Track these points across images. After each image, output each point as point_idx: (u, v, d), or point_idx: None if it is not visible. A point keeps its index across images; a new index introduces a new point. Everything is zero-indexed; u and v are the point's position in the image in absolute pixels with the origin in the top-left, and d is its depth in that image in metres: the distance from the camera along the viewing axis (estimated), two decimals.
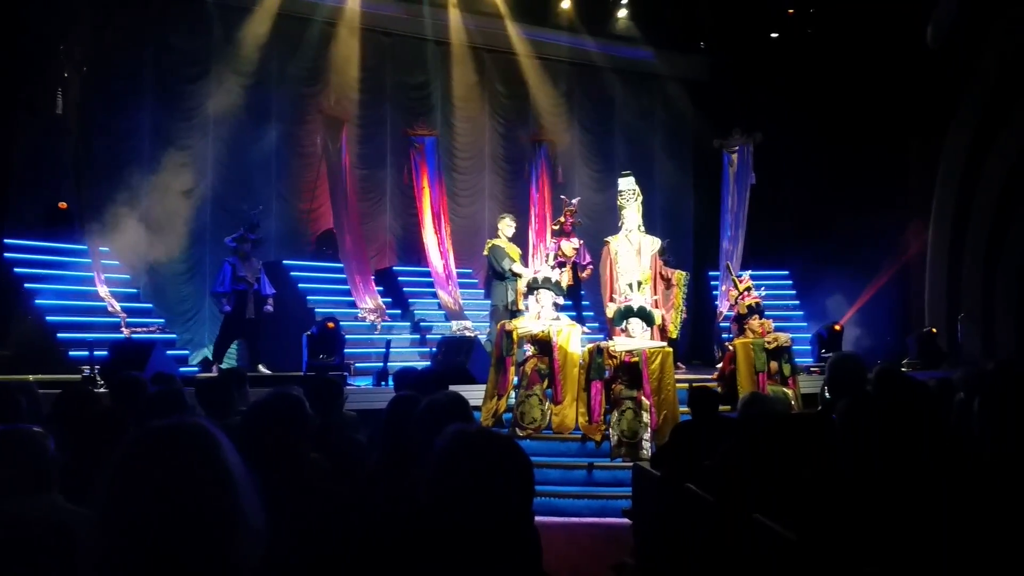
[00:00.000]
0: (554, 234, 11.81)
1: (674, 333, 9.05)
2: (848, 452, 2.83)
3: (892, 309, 13.30)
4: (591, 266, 11.86)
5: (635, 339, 8.08)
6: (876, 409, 2.77)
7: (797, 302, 13.68)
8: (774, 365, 8.41)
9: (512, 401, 8.06)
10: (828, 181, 13.89)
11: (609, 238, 9.36)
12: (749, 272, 9.97)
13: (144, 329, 9.42)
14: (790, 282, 14.05)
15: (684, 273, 9.45)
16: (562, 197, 11.97)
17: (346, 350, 9.82)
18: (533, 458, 6.88)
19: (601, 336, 10.90)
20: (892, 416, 2.74)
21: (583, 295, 12.69)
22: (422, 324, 11.92)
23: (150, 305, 10.29)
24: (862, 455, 2.75)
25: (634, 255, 9.19)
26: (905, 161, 13.77)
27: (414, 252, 13.17)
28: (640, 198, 9.39)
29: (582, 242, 11.77)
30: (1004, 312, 12.48)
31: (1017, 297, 12.35)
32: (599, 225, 14.13)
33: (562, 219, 11.52)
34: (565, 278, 10.08)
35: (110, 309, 9.52)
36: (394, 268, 12.81)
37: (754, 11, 14.03)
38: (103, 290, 9.66)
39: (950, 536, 2.38)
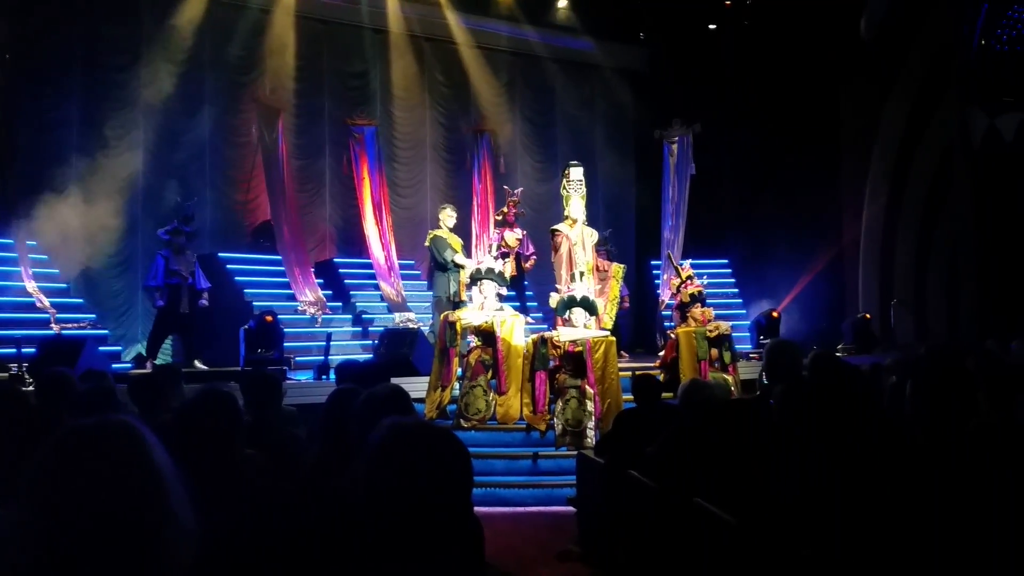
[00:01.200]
0: (497, 224, 11.81)
1: (608, 324, 9.13)
2: (785, 436, 2.88)
3: (827, 295, 13.61)
4: (534, 256, 11.89)
5: (578, 329, 8.13)
6: (811, 393, 2.83)
7: (736, 290, 13.91)
8: (715, 352, 8.55)
9: (456, 392, 8.05)
10: (766, 170, 14.16)
11: (558, 226, 9.40)
12: (690, 261, 10.10)
13: (74, 325, 9.16)
14: (730, 270, 14.27)
15: (621, 266, 9.58)
16: (505, 188, 11.97)
17: (285, 344, 9.72)
18: (478, 449, 6.83)
19: (545, 326, 10.94)
20: (826, 400, 2.80)
21: (526, 285, 12.71)
22: (364, 316, 11.84)
23: (81, 300, 10.01)
24: (798, 438, 2.81)
25: (579, 245, 9.25)
26: (839, 150, 14.09)
27: (355, 243, 13.04)
28: (584, 190, 9.45)
29: (525, 232, 11.76)
30: (936, 297, 12.88)
31: (948, 282, 12.76)
32: (542, 216, 14.13)
33: (505, 209, 11.52)
34: (508, 269, 10.10)
35: (38, 305, 9.24)
36: (334, 260, 12.71)
37: (692, 2, 14.19)
38: (31, 285, 9.36)
39: (883, 517, 2.44)
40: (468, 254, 11.03)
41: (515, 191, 11.67)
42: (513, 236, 11.40)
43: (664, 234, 13.36)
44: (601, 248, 11.25)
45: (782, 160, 13.84)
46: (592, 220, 9.86)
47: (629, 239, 14.96)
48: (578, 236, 9.27)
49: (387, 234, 12.41)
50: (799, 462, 2.74)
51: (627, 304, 12.16)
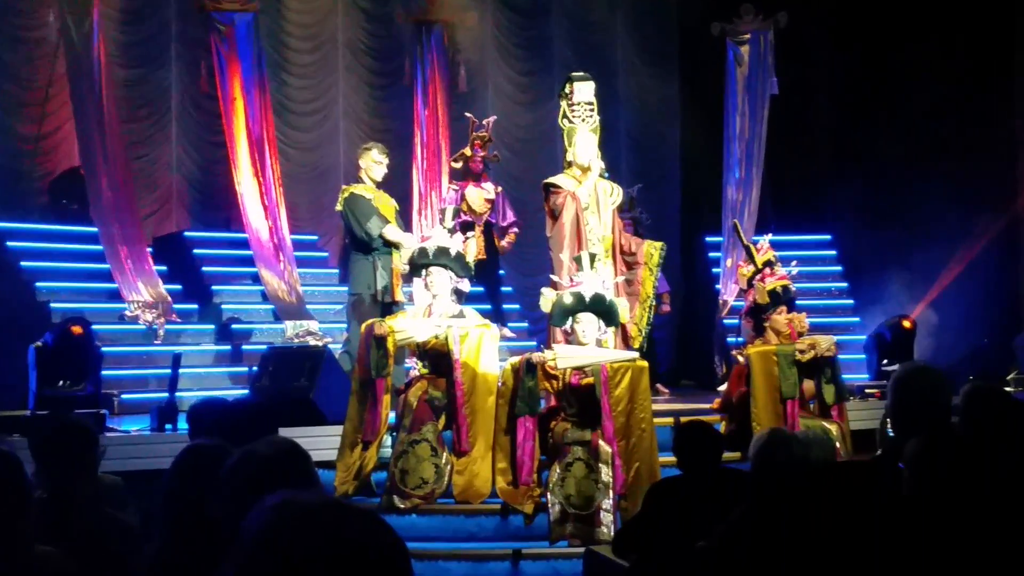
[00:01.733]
0: (454, 176, 11.77)
1: (638, 339, 9.14)
2: (924, 521, 2.89)
3: (991, 296, 13.59)
4: (516, 229, 11.86)
5: (588, 348, 8.14)
6: (967, 452, 2.84)
7: (846, 284, 13.97)
8: (809, 386, 8.62)
9: (387, 452, 8.08)
10: (892, 91, 14.15)
11: (557, 179, 9.39)
12: (770, 237, 10.11)
13: None
14: (834, 252, 14.37)
15: (659, 245, 9.53)
16: (467, 116, 11.95)
17: (104, 372, 9.72)
18: (422, 544, 6.87)
19: (534, 343, 10.94)
20: (992, 462, 2.81)
21: (502, 276, 12.70)
22: (235, 327, 11.87)
23: None
24: (947, 526, 2.82)
25: (592, 210, 9.26)
26: (1009, 68, 14.04)
27: (219, 207, 12.99)
28: (598, 120, 9.47)
29: (500, 190, 11.74)
30: None
31: None
32: (529, 162, 14.15)
33: (467, 152, 11.48)
34: (473, 248, 10.06)
35: None
36: (186, 234, 12.70)
37: None
38: None
39: None
40: (407, 226, 11.00)
41: (484, 121, 11.65)
42: (480, 195, 11.36)
43: (727, 192, 13.41)
44: (627, 216, 11.25)
45: (916, 77, 13.83)
46: (612, 169, 9.86)
47: (671, 201, 15.03)
48: (589, 195, 9.28)
49: (273, 192, 12.35)
50: (948, 564, 2.75)
51: (667, 307, 12.18)
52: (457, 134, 12.68)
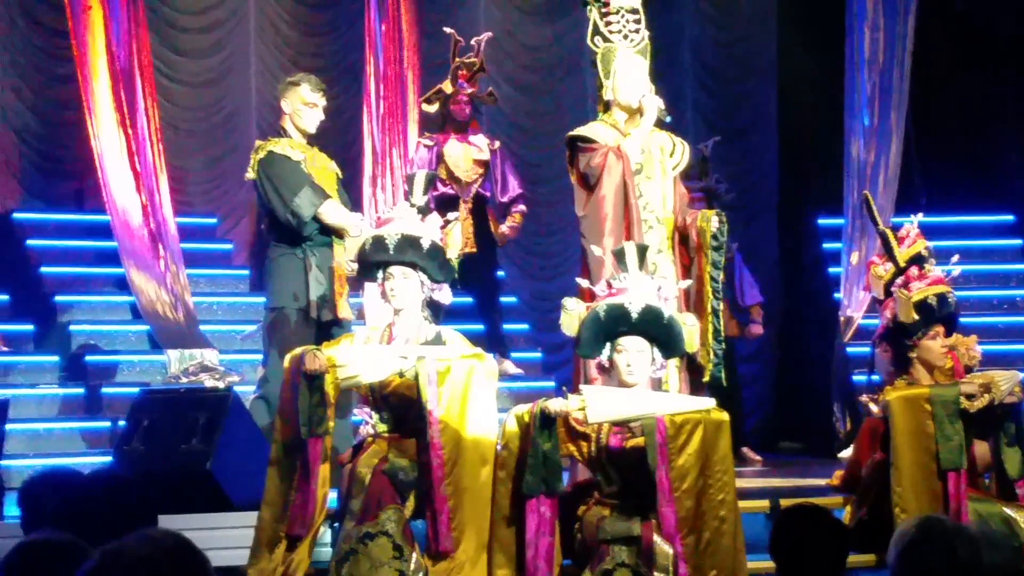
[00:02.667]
0: (428, 126, 11.74)
1: (709, 367, 9.13)
2: None
3: None
4: (523, 206, 11.85)
5: (636, 390, 8.11)
6: None
7: None
8: (984, 450, 8.62)
9: (326, 552, 8.13)
10: None
11: (589, 130, 9.37)
12: (919, 218, 10.10)
13: None
14: (1021, 241, 14.42)
15: (711, 213, 9.48)
16: (447, 31, 11.95)
17: None
18: None
19: (551, 384, 10.95)
20: None
21: (502, 280, 12.70)
22: (90, 358, 11.95)
23: None
24: None
25: (647, 175, 9.33)
26: None
27: (66, 176, 13.06)
28: (647, 37, 9.49)
29: (499, 145, 11.73)
30: None
31: None
32: (540, 103, 14.16)
33: (448, 88, 11.47)
34: (457, 237, 10.06)
35: None
36: (15, 215, 12.95)
37: None
38: None
39: None
40: (356, 203, 10.99)
41: (473, 40, 11.63)
42: (468, 154, 11.38)
43: (852, 150, 13.48)
44: (696, 186, 11.25)
45: None
46: (674, 112, 9.80)
47: (764, 164, 15.07)
48: (642, 150, 9.26)
49: (148, 151, 12.37)
50: None
51: (759, 327, 12.11)
52: (433, 60, 12.69)
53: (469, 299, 11.50)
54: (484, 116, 11.60)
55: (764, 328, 12.46)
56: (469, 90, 11.43)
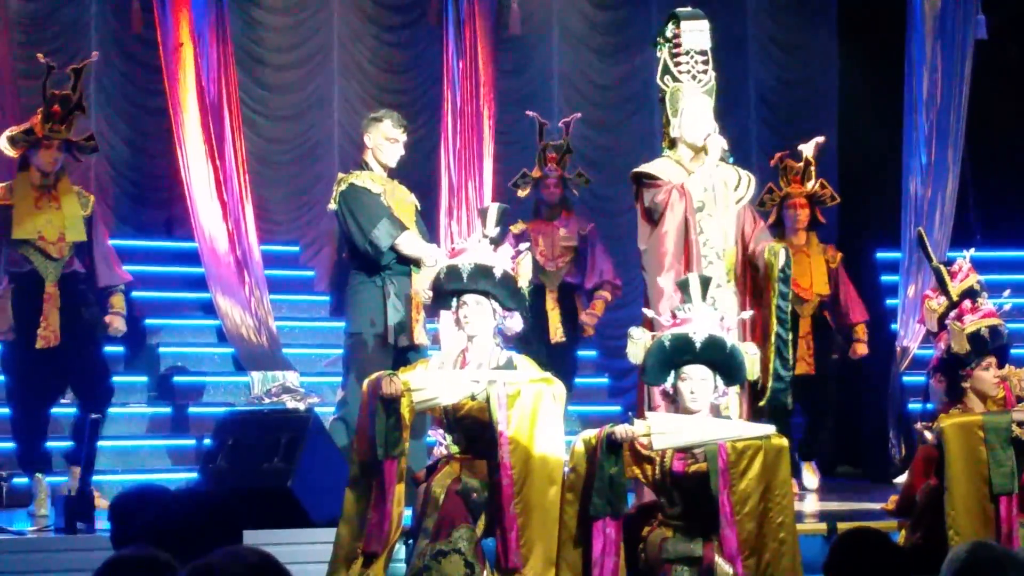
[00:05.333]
0: (524, 212, 11.67)
1: (768, 395, 9.09)
2: None
3: None
4: (605, 292, 11.79)
5: (699, 417, 8.08)
6: None
7: None
8: None
9: (401, 567, 8.12)
10: None
11: (654, 167, 9.36)
12: (972, 253, 10.02)
13: None
14: None
15: (778, 247, 9.45)
16: (529, 113, 11.92)
17: None
18: None
19: (617, 408, 10.91)
20: None
21: (577, 305, 12.65)
22: (177, 379, 12.02)
23: None
24: None
25: (709, 211, 9.30)
26: None
27: (156, 205, 13.13)
28: (714, 78, 9.48)
29: (592, 226, 11.61)
30: None
31: None
32: (610, 140, 14.16)
33: (536, 171, 11.37)
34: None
35: None
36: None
37: None
38: None
39: None
40: (432, 234, 10.99)
41: (563, 122, 11.49)
42: (555, 239, 11.27)
43: (909, 186, 13.42)
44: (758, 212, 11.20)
45: None
46: (732, 151, 9.74)
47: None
48: (704, 188, 9.24)
49: (235, 182, 12.42)
50: None
51: (863, 345, 11.89)
52: (508, 97, 12.69)
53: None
54: (576, 199, 11.43)
55: (823, 348, 12.29)
56: (558, 173, 11.31)
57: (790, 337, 9.25)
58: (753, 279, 9.41)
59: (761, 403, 9.02)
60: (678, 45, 9.38)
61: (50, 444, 10.90)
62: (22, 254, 9.96)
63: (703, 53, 9.37)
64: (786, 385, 9.16)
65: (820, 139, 11.90)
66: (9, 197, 10.03)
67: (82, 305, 10.28)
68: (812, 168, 11.69)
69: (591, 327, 11.82)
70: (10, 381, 10.42)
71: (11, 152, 10.13)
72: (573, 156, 11.40)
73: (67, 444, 10.57)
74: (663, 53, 9.46)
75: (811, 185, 11.86)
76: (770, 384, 9.13)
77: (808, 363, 11.05)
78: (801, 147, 11.54)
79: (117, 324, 10.40)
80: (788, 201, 11.66)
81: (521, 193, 11.64)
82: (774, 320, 9.22)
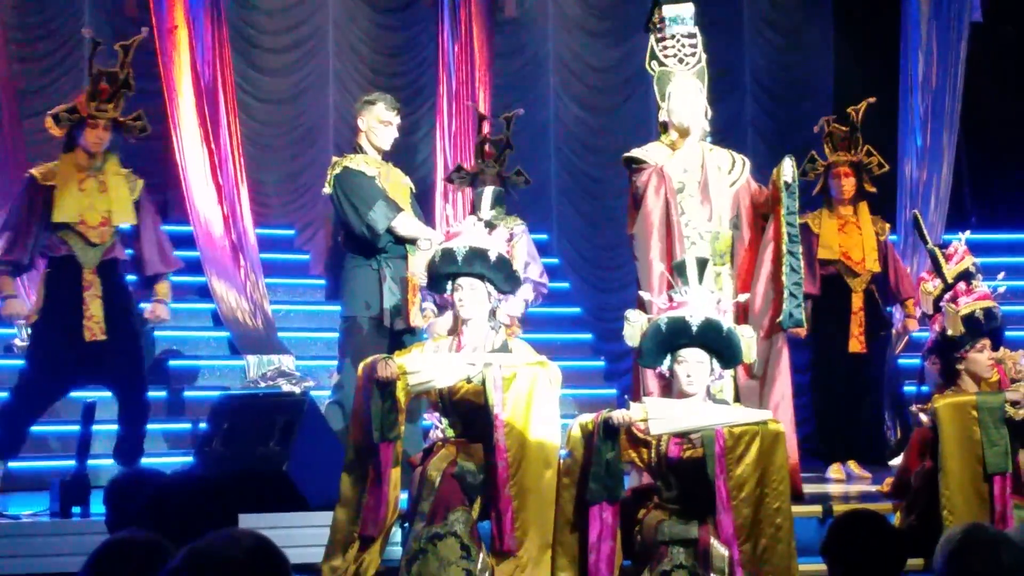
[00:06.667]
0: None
1: (786, 310, 9.07)
2: None
3: None
4: (531, 296, 11.72)
5: (694, 400, 8.08)
6: None
7: None
8: None
9: (397, 551, 8.11)
10: None
11: (643, 151, 9.36)
12: (967, 236, 10.03)
13: None
14: None
15: (787, 159, 9.38)
16: (470, 103, 11.89)
17: None
18: None
19: (612, 391, 10.91)
20: None
21: (567, 290, 12.66)
22: (172, 363, 12.02)
23: None
24: None
25: (694, 193, 9.30)
26: None
27: (150, 188, 12.94)
28: (703, 60, 9.49)
29: (522, 228, 11.39)
30: None
31: None
32: (607, 124, 14.16)
33: (470, 166, 11.25)
34: (522, 250, 10.05)
35: None
36: None
37: None
38: None
39: None
40: (428, 216, 10.97)
41: (504, 116, 11.25)
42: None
43: (904, 169, 13.49)
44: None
45: None
46: (727, 134, 9.75)
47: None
48: (692, 171, 9.25)
49: (230, 165, 12.42)
50: None
51: (914, 321, 11.66)
52: (502, 80, 12.67)
53: (540, 308, 11.36)
54: (515, 197, 11.01)
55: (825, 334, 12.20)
56: (494, 170, 11.00)
57: (799, 251, 9.17)
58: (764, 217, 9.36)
59: (779, 319, 9.01)
60: (662, 30, 9.37)
61: (46, 429, 10.95)
62: (60, 238, 9.84)
63: (691, 36, 9.35)
64: (800, 302, 9.12)
65: (871, 99, 11.61)
66: (52, 178, 9.95)
67: (123, 295, 10.23)
68: (859, 134, 11.43)
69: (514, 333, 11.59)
70: (26, 364, 10.35)
71: (55, 132, 10.03)
72: (513, 152, 10.96)
73: (63, 428, 10.60)
74: (651, 38, 9.45)
75: (856, 152, 11.60)
76: (784, 306, 9.10)
77: (860, 341, 10.88)
78: (851, 109, 11.32)
79: (160, 312, 10.35)
80: (833, 170, 11.36)
81: (457, 184, 11.28)
82: (785, 237, 9.14)
